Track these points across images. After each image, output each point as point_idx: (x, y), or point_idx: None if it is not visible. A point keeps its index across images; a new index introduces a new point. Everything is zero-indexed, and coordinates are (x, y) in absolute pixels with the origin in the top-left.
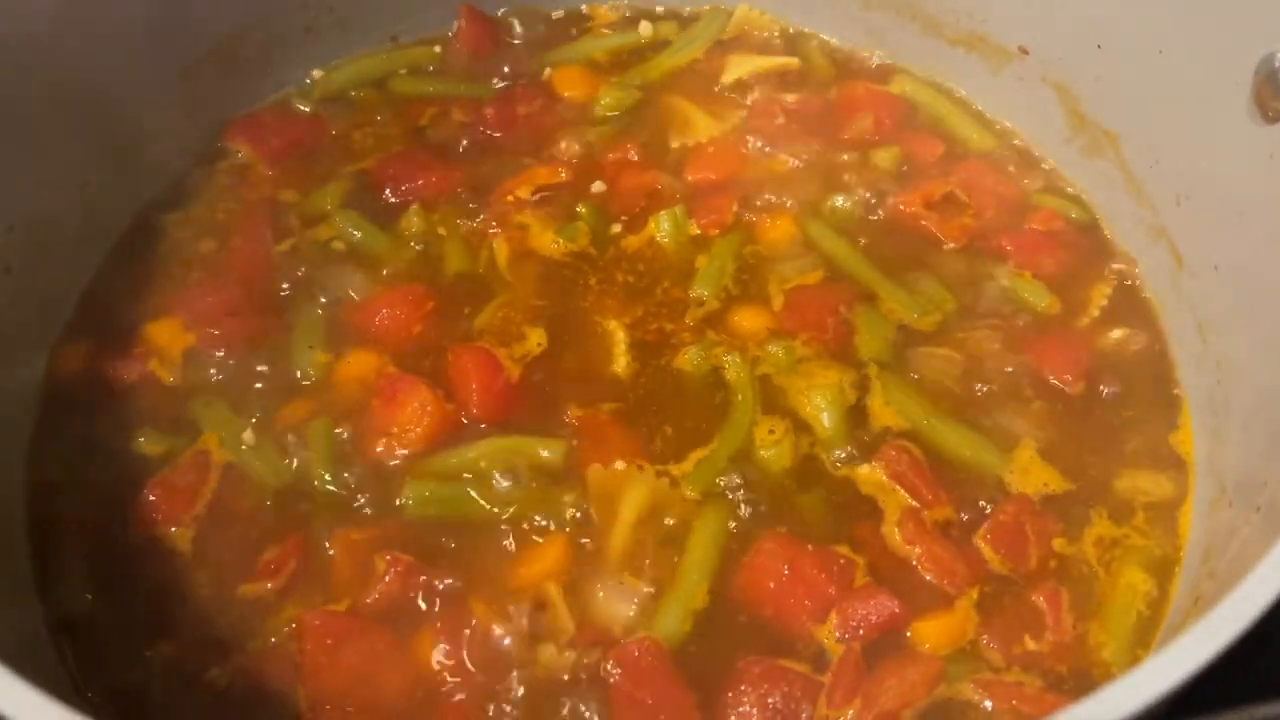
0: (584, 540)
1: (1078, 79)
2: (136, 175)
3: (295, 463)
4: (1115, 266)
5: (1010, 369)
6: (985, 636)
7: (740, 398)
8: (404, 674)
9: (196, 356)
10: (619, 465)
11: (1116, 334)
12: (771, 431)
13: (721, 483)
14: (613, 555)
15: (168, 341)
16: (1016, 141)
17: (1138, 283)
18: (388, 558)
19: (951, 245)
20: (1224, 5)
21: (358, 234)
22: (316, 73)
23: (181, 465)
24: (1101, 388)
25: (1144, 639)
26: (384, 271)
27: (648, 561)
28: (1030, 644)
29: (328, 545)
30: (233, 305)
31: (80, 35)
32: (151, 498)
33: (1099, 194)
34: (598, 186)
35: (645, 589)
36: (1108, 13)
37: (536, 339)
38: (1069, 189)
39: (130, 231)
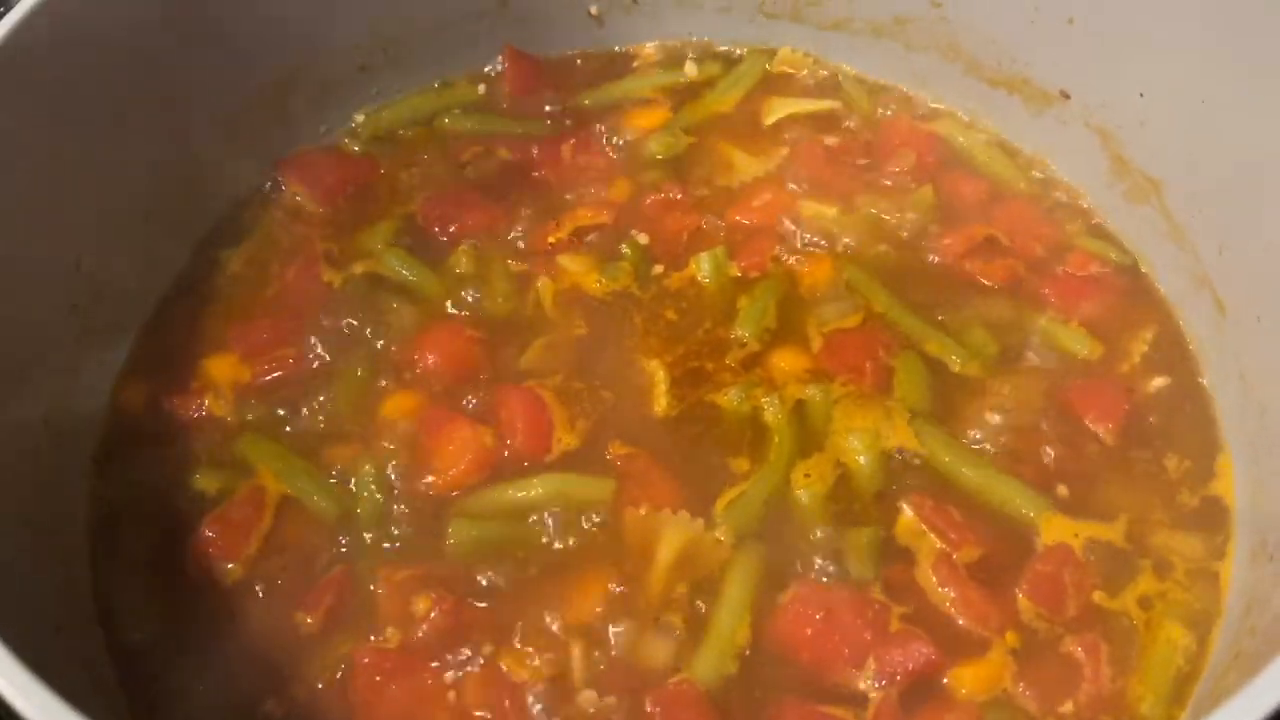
0: (624, 582)
1: (1120, 124)
2: (195, 211)
3: (344, 499)
4: (1157, 313)
5: (1050, 415)
6: (1021, 685)
7: (778, 440)
8: (449, 712)
9: (250, 392)
10: (657, 507)
11: (1158, 381)
12: (807, 475)
13: (757, 525)
14: (651, 597)
15: (224, 376)
16: (1058, 185)
17: (1180, 330)
18: (432, 596)
19: (993, 288)
20: (1265, 57)
21: (406, 272)
22: (364, 114)
23: (238, 500)
24: (1142, 435)
25: (1181, 695)
26: (432, 309)
27: (685, 604)
28: (1067, 695)
29: (373, 583)
30: (285, 340)
31: (146, 75)
32: (209, 533)
33: (1141, 240)
34: (640, 227)
35: (683, 632)
36: (1150, 60)
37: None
38: (1111, 234)
39: (189, 267)
